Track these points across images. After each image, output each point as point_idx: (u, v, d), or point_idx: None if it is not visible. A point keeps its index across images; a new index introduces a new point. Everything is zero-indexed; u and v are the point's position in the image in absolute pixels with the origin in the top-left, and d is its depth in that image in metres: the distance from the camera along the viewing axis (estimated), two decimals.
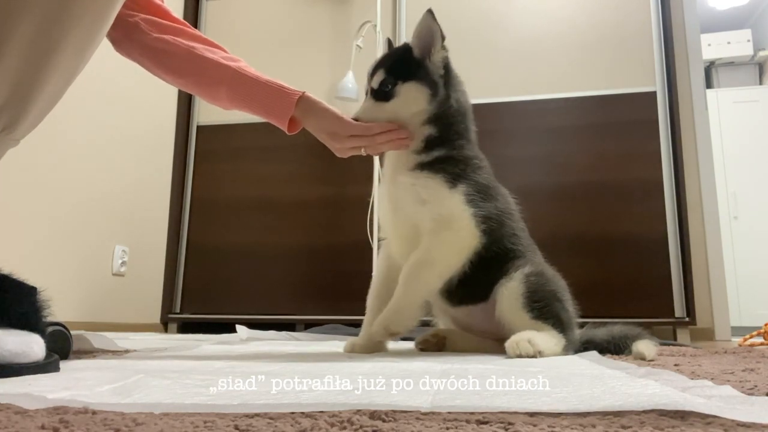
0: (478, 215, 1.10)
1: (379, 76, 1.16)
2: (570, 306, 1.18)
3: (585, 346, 1.18)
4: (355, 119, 1.15)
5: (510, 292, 1.11)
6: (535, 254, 1.23)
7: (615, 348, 1.19)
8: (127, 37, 1.12)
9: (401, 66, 1.16)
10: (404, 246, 1.17)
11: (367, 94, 1.20)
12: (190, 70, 1.14)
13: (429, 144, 1.15)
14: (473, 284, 1.14)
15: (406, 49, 1.18)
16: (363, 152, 1.18)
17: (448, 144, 1.15)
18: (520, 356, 1.02)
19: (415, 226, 1.14)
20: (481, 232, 1.10)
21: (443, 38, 1.16)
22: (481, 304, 1.17)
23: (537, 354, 1.01)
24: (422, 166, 1.13)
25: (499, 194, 1.19)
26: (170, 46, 1.12)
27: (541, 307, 1.11)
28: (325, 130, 1.15)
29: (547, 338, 1.07)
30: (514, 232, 1.18)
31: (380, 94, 1.16)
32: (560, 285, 1.19)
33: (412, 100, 1.15)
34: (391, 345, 1.24)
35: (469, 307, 1.19)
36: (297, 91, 1.15)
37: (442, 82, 1.16)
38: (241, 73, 1.13)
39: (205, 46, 1.15)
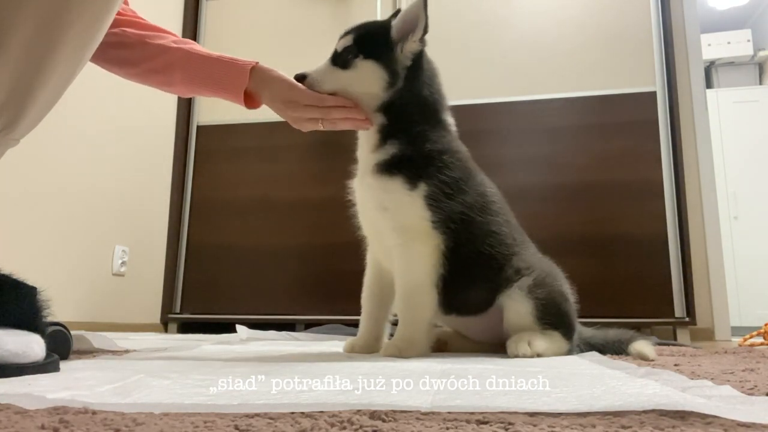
0: (440, 218, 1.05)
1: (346, 42, 1.12)
2: (571, 303, 1.16)
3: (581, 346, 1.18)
4: (303, 76, 1.11)
5: (518, 311, 1.07)
6: (527, 248, 1.17)
7: (611, 352, 1.19)
8: None
9: (371, 41, 1.11)
10: (381, 245, 1.15)
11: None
12: (142, 57, 1.11)
13: (383, 135, 1.10)
14: (461, 293, 1.10)
15: (384, 26, 1.12)
16: (321, 126, 1.13)
17: (404, 136, 1.09)
18: (517, 357, 1.02)
19: (381, 232, 1.12)
20: (443, 234, 1.05)
21: (425, 31, 1.09)
22: (478, 316, 1.13)
23: (535, 355, 1.02)
24: (381, 168, 1.08)
25: (472, 187, 1.11)
26: (120, 37, 1.10)
27: (552, 319, 1.08)
28: (280, 99, 1.11)
29: (549, 341, 1.07)
30: (491, 228, 1.10)
31: (339, 59, 1.12)
32: (563, 284, 1.15)
33: (366, 80, 1.10)
34: None
35: (462, 318, 1.17)
36: (250, 61, 1.11)
37: (404, 74, 1.10)
38: (191, 53, 1.11)
39: (156, 33, 1.13)
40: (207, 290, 2.60)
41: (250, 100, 1.15)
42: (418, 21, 1.09)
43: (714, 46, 4.66)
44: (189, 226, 2.67)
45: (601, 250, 2.24)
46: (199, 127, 2.75)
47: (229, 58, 1.12)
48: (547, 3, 2.54)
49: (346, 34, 1.14)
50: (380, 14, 2.55)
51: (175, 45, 1.12)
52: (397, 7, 2.65)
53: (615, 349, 1.18)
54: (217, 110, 2.74)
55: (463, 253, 1.07)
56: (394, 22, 1.11)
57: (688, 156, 2.44)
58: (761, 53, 4.66)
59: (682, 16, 2.59)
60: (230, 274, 2.58)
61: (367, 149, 1.13)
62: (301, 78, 1.12)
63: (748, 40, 4.66)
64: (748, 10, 4.86)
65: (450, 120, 1.18)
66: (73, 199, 2.12)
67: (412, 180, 1.06)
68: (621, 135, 2.36)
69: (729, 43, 4.67)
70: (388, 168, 1.07)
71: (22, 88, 0.74)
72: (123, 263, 2.37)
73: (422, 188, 1.05)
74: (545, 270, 1.13)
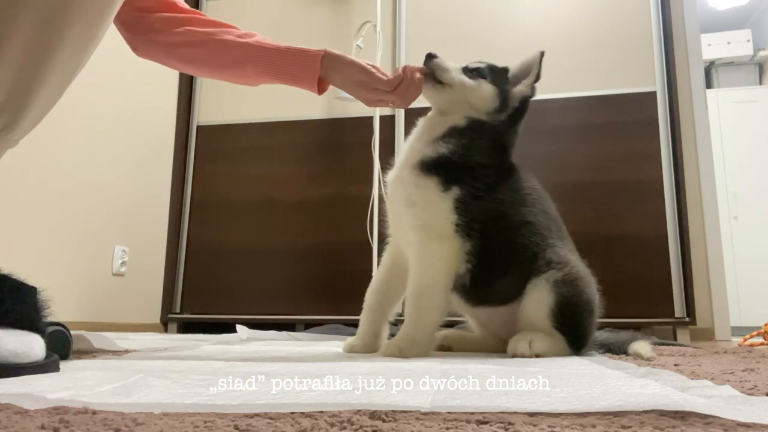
0: (465, 222, 1.07)
1: (479, 64, 1.23)
2: (595, 317, 1.14)
3: None
4: (435, 56, 1.18)
5: (538, 300, 1.07)
6: (565, 244, 1.16)
7: (620, 353, 1.19)
8: (146, 39, 1.13)
9: (498, 73, 1.23)
10: (407, 243, 1.15)
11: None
12: (211, 56, 1.15)
13: (448, 133, 1.14)
14: (490, 284, 1.11)
15: (505, 69, 1.25)
16: (391, 105, 1.19)
17: (463, 141, 1.12)
18: (515, 355, 1.02)
19: (405, 229, 1.13)
20: (467, 236, 1.07)
21: (537, 79, 1.21)
22: (505, 307, 1.13)
23: (533, 356, 1.02)
24: (422, 165, 1.11)
25: (505, 184, 1.14)
26: (187, 37, 1.12)
27: (566, 321, 1.07)
28: (352, 82, 1.16)
29: (551, 344, 1.06)
30: (526, 219, 1.12)
31: (468, 71, 1.20)
32: (592, 294, 1.13)
33: (481, 97, 1.18)
34: None
35: (490, 309, 1.17)
36: (318, 50, 1.14)
37: (510, 111, 1.19)
38: (261, 47, 1.13)
39: (220, 28, 1.15)
40: (207, 290, 2.60)
41: (320, 85, 1.18)
42: (532, 69, 1.22)
43: (714, 46, 4.66)
44: (189, 226, 2.67)
45: (601, 250, 2.24)
46: (199, 127, 2.75)
47: (298, 49, 1.14)
48: (547, 3, 2.54)
49: (483, 62, 1.25)
50: (380, 14, 2.54)
51: (242, 40, 1.13)
52: (397, 10, 2.67)
53: (624, 350, 1.18)
54: (217, 110, 2.74)
55: (495, 246, 1.09)
56: (512, 68, 1.25)
57: (688, 156, 2.44)
58: (761, 53, 4.65)
59: (682, 16, 2.59)
60: (230, 274, 2.58)
61: (423, 139, 1.16)
62: (432, 56, 1.19)
63: (748, 40, 4.66)
64: (748, 10, 4.85)
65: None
66: (73, 199, 2.12)
67: (447, 183, 1.08)
68: (621, 135, 2.36)
69: (729, 43, 4.67)
70: (428, 167, 1.10)
71: (21, 88, 0.74)
72: (123, 263, 2.37)
73: (454, 191, 1.08)
74: (579, 272, 1.12)
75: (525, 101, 1.22)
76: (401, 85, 1.14)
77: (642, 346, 1.13)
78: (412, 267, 1.09)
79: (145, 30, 1.12)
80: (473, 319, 1.27)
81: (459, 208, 1.07)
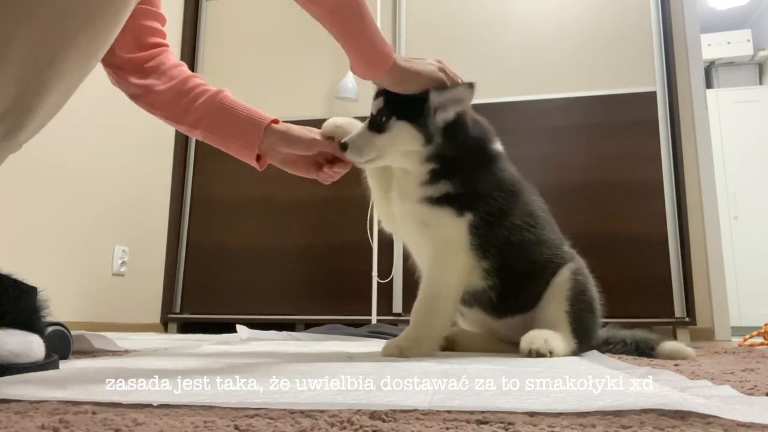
0: (479, 243, 1.09)
1: (378, 104, 1.08)
2: (598, 316, 1.19)
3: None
4: (346, 144, 1.09)
5: (561, 286, 1.14)
6: (572, 253, 1.24)
7: (637, 350, 1.21)
8: (118, 85, 1.19)
9: (402, 101, 1.06)
10: (421, 258, 1.18)
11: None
12: (164, 117, 1.20)
13: (433, 176, 1.09)
14: (515, 296, 1.15)
15: (421, 98, 1.06)
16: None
17: (455, 177, 1.09)
18: (530, 352, 1.04)
19: (420, 244, 1.15)
20: (481, 256, 1.09)
21: (463, 108, 1.10)
22: (530, 312, 1.17)
23: (548, 353, 1.03)
24: (430, 201, 1.08)
25: (517, 207, 1.14)
26: (147, 103, 1.17)
27: (579, 308, 1.13)
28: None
29: (560, 340, 1.08)
30: (540, 239, 1.17)
31: (374, 124, 1.08)
32: (595, 296, 1.20)
33: (402, 139, 1.07)
34: None
35: (515, 318, 1.18)
36: (254, 148, 1.18)
37: (439, 133, 1.07)
38: (208, 134, 1.19)
39: (181, 98, 1.16)
40: (207, 290, 2.60)
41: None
42: (461, 104, 1.08)
43: (714, 46, 4.66)
44: (189, 226, 2.68)
45: (601, 250, 2.24)
46: None
47: (235, 142, 1.17)
48: (548, 3, 2.54)
49: (378, 95, 1.10)
50: (380, 14, 2.54)
51: (187, 127, 1.17)
52: (397, 10, 2.67)
53: (642, 349, 1.20)
54: None
55: (518, 265, 1.13)
56: (434, 94, 1.06)
57: (688, 156, 2.44)
58: (761, 53, 4.65)
59: (682, 16, 2.59)
60: (230, 274, 2.58)
61: (413, 182, 1.11)
62: (343, 147, 1.10)
63: (748, 40, 4.66)
64: (748, 10, 4.85)
65: (498, 147, 1.18)
66: (73, 199, 2.12)
67: (460, 210, 1.08)
68: (621, 135, 2.36)
69: (729, 43, 4.67)
70: (437, 201, 1.09)
71: (26, 95, 0.73)
72: (123, 263, 2.37)
73: (468, 217, 1.08)
74: (586, 269, 1.21)
75: (461, 116, 1.10)
76: (327, 176, 1.22)
77: (679, 345, 1.18)
78: (426, 275, 1.12)
79: (116, 80, 1.18)
80: (485, 329, 1.27)
81: (472, 232, 1.08)
